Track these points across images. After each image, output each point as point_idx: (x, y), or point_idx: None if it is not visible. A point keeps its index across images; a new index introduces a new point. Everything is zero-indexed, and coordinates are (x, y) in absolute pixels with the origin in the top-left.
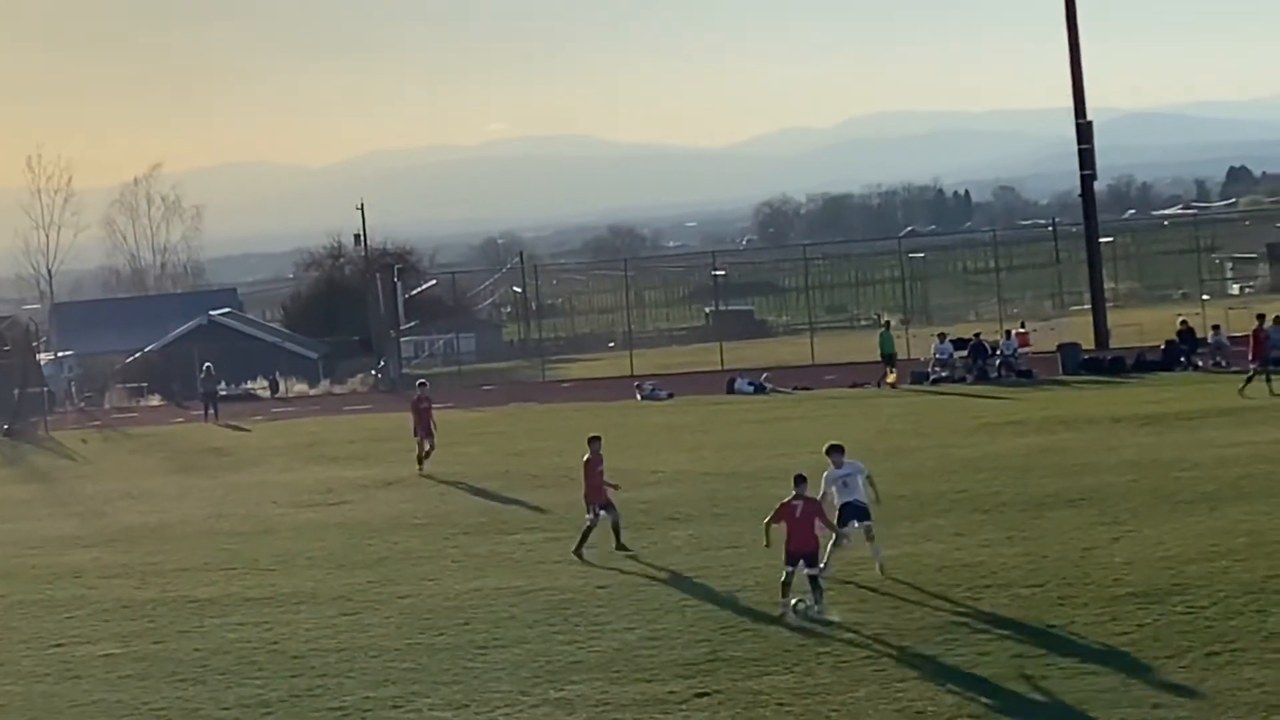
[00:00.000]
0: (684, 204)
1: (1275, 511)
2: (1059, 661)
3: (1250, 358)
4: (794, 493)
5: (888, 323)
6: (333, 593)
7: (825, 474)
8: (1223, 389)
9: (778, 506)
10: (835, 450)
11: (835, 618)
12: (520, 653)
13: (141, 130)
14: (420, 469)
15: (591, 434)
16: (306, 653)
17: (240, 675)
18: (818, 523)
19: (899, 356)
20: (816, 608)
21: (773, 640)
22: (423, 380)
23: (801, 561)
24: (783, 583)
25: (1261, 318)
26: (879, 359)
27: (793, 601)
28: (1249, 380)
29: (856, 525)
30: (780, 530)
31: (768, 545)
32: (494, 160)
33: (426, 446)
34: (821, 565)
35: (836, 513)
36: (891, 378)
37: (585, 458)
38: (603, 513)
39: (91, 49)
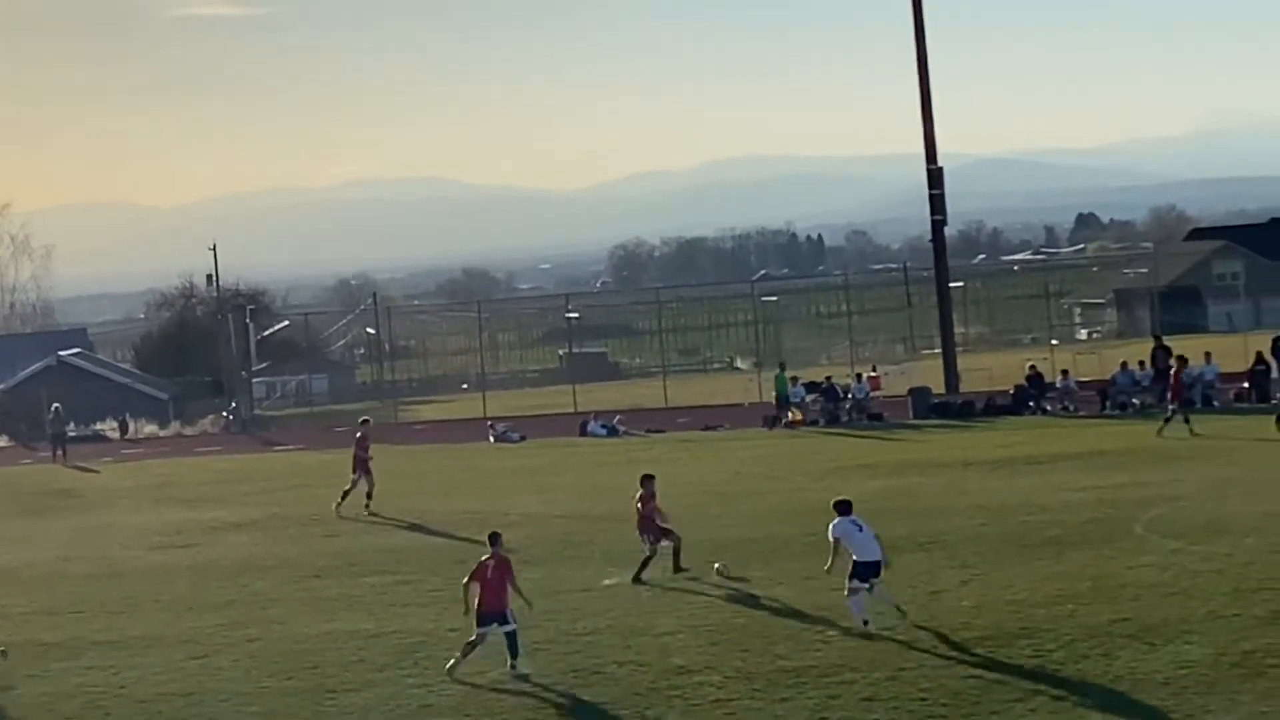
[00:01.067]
0: (539, 247)
1: (1120, 556)
2: (907, 705)
3: (1170, 399)
4: (490, 551)
5: (782, 364)
6: (182, 636)
7: (833, 525)
8: (1071, 433)
9: (475, 566)
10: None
11: (528, 670)
12: (370, 696)
13: None
14: (339, 507)
15: (645, 473)
16: (154, 697)
17: None
18: (509, 582)
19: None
20: (515, 665)
21: (623, 684)
22: (365, 418)
23: (494, 623)
24: (470, 643)
25: (1183, 360)
26: (774, 400)
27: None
28: (1167, 421)
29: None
30: (475, 590)
31: (466, 612)
32: (347, 202)
33: (365, 486)
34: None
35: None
36: (796, 416)
37: (637, 494)
38: (663, 542)
39: None
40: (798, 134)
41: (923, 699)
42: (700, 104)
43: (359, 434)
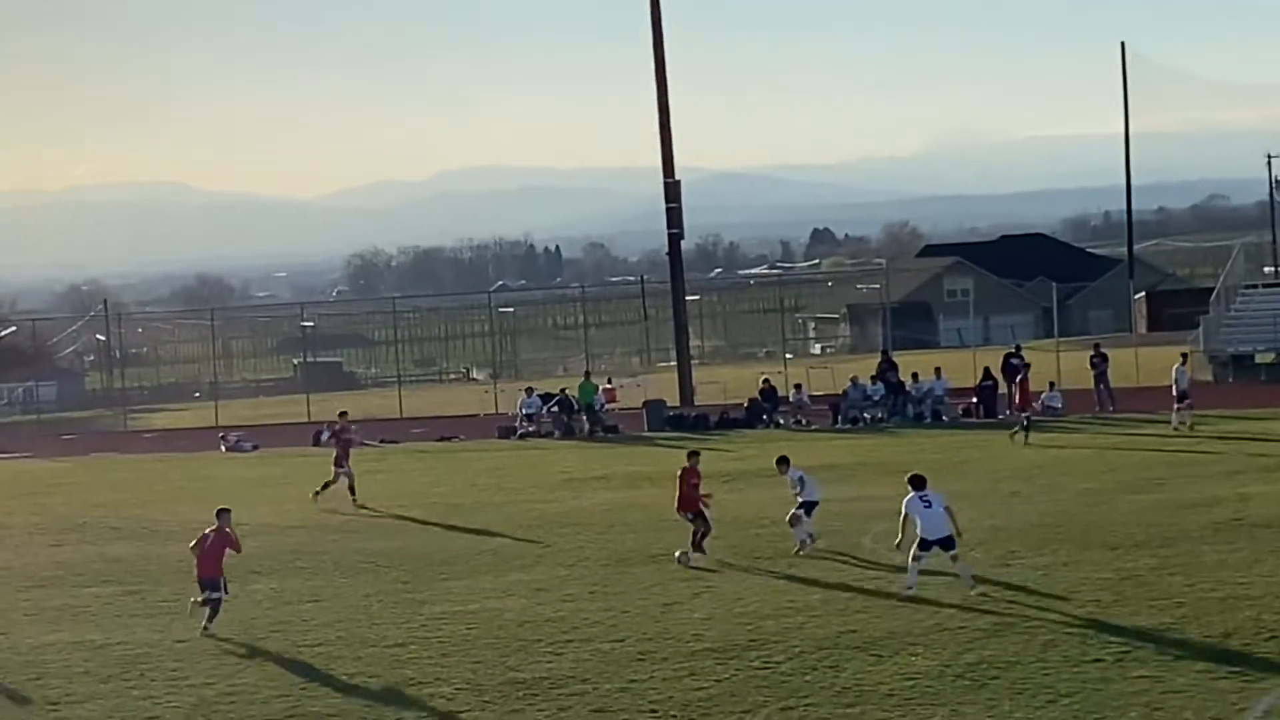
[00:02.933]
0: (274, 254)
1: (849, 568)
2: (638, 716)
3: (1019, 406)
4: (216, 524)
5: (587, 373)
6: None
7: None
8: (803, 446)
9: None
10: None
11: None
12: (94, 708)
13: None
14: (319, 494)
15: (691, 449)
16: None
17: None
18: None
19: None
20: (209, 626)
21: (351, 697)
22: (344, 410)
23: (207, 589)
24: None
25: (1028, 366)
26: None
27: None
28: (1026, 429)
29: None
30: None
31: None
32: (80, 206)
33: (344, 480)
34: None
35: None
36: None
37: (682, 469)
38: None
39: None
40: (535, 146)
41: (653, 711)
42: (438, 114)
43: (338, 426)
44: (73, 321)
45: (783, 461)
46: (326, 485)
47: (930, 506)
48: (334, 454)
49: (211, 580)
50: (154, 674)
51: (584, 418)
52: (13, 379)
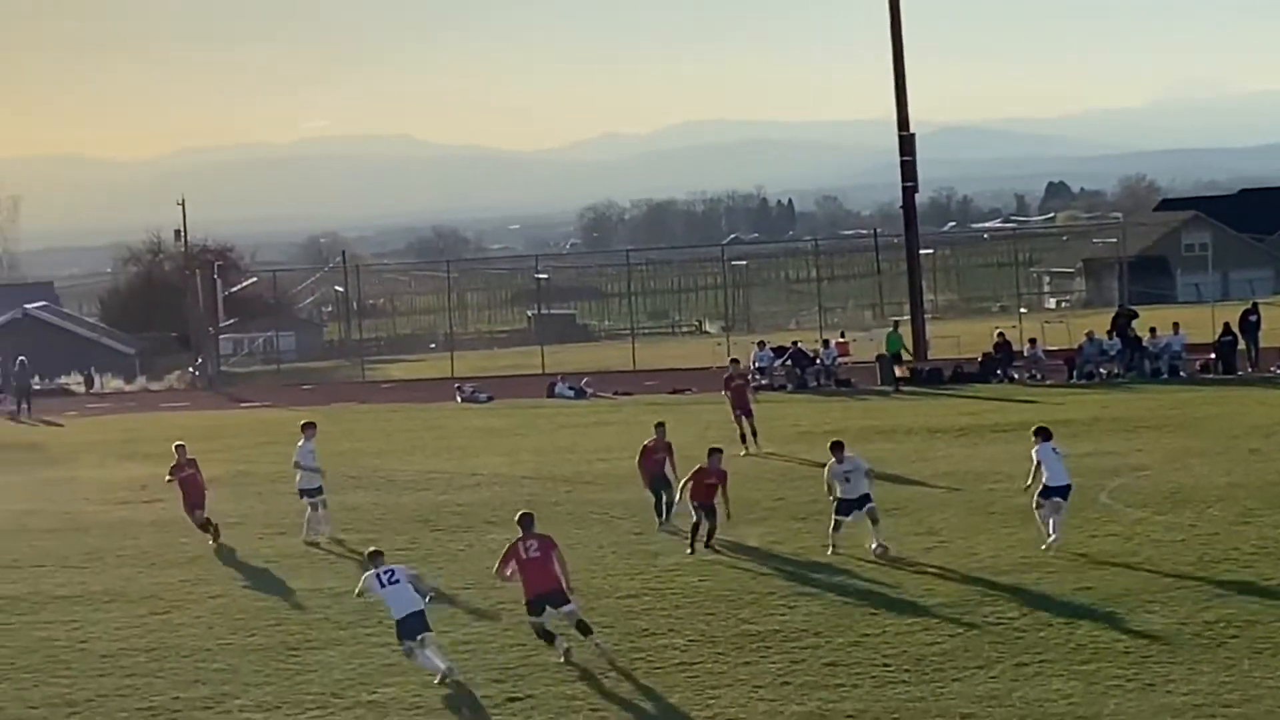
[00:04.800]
0: (508, 207)
1: (1085, 525)
2: (870, 670)
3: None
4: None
5: (896, 322)
6: (144, 591)
7: (828, 468)
8: (1037, 402)
9: (506, 549)
10: (837, 447)
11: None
12: (333, 654)
13: None
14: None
15: (657, 420)
16: (116, 652)
17: (47, 674)
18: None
19: None
20: (600, 646)
21: (587, 647)
22: (735, 358)
23: (547, 606)
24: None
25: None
26: (885, 357)
27: (563, 647)
28: None
29: (859, 513)
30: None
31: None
32: (314, 159)
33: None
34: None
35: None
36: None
37: (644, 445)
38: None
39: None
40: (770, 98)
41: (886, 665)
42: (673, 66)
43: (728, 374)
44: (312, 273)
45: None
46: (749, 434)
47: (1057, 455)
48: (729, 402)
49: (555, 592)
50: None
51: (892, 370)
52: (253, 329)
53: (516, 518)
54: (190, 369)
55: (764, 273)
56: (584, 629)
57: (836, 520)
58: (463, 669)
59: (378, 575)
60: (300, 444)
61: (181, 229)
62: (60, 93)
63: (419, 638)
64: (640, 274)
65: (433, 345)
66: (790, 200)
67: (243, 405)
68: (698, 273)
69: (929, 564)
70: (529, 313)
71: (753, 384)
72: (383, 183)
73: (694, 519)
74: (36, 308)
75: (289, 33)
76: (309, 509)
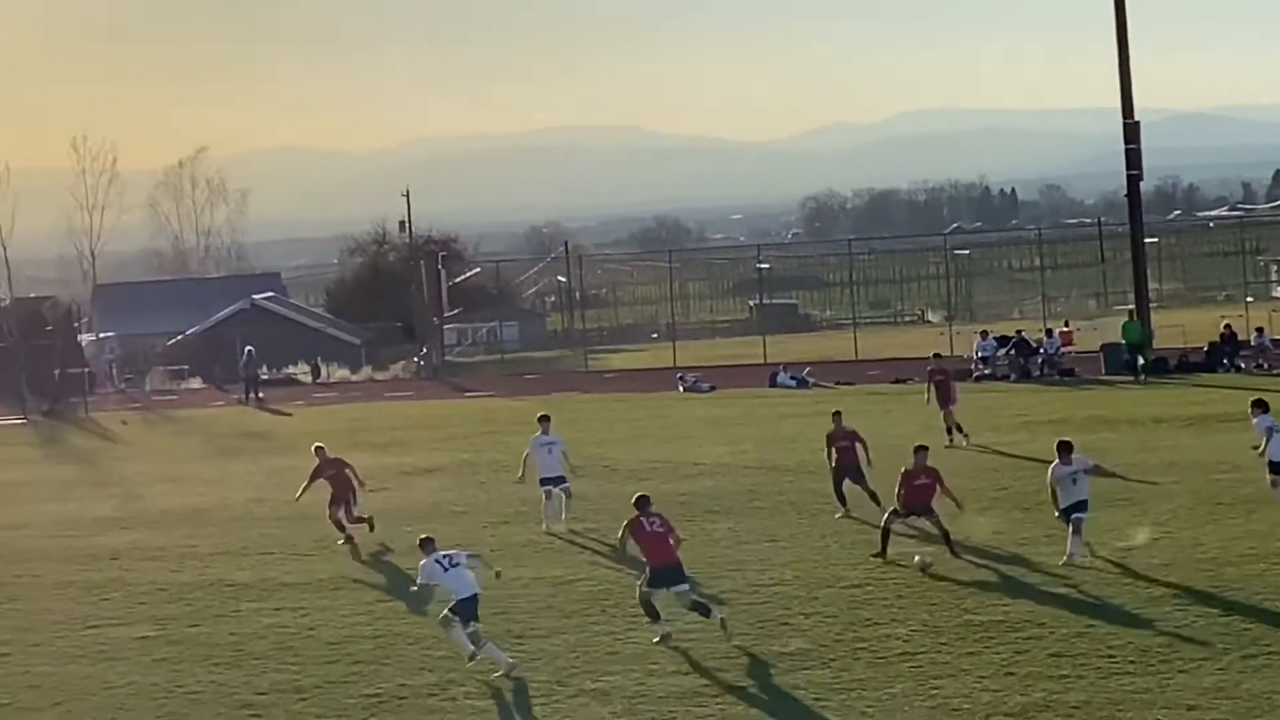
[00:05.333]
0: (730, 197)
1: None
2: (1095, 661)
3: None
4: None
5: (1131, 312)
6: (371, 580)
7: (1051, 470)
8: (1264, 391)
9: (628, 524)
10: (1064, 448)
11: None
12: (557, 643)
13: (187, 113)
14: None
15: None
16: (343, 639)
17: (276, 660)
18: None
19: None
20: (724, 625)
21: (810, 635)
22: (937, 351)
23: (666, 584)
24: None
25: None
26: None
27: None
28: None
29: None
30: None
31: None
32: (538, 149)
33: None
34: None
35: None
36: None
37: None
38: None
39: (138, 32)
40: (991, 87)
41: (1110, 656)
42: (893, 55)
43: (931, 367)
44: (534, 263)
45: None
46: (955, 428)
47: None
48: (933, 395)
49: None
50: (615, 610)
51: (1135, 359)
52: (477, 319)
53: (634, 499)
54: (415, 359)
55: (987, 262)
56: (703, 610)
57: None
58: (687, 657)
59: (438, 561)
60: (535, 436)
61: (406, 220)
62: (292, 87)
63: (471, 625)
64: (862, 263)
65: (654, 335)
66: (1013, 189)
67: (467, 395)
68: (920, 262)
69: (1154, 555)
70: (751, 302)
71: (974, 374)
72: (608, 173)
73: (884, 523)
74: (264, 298)
75: (520, 25)
76: (544, 498)
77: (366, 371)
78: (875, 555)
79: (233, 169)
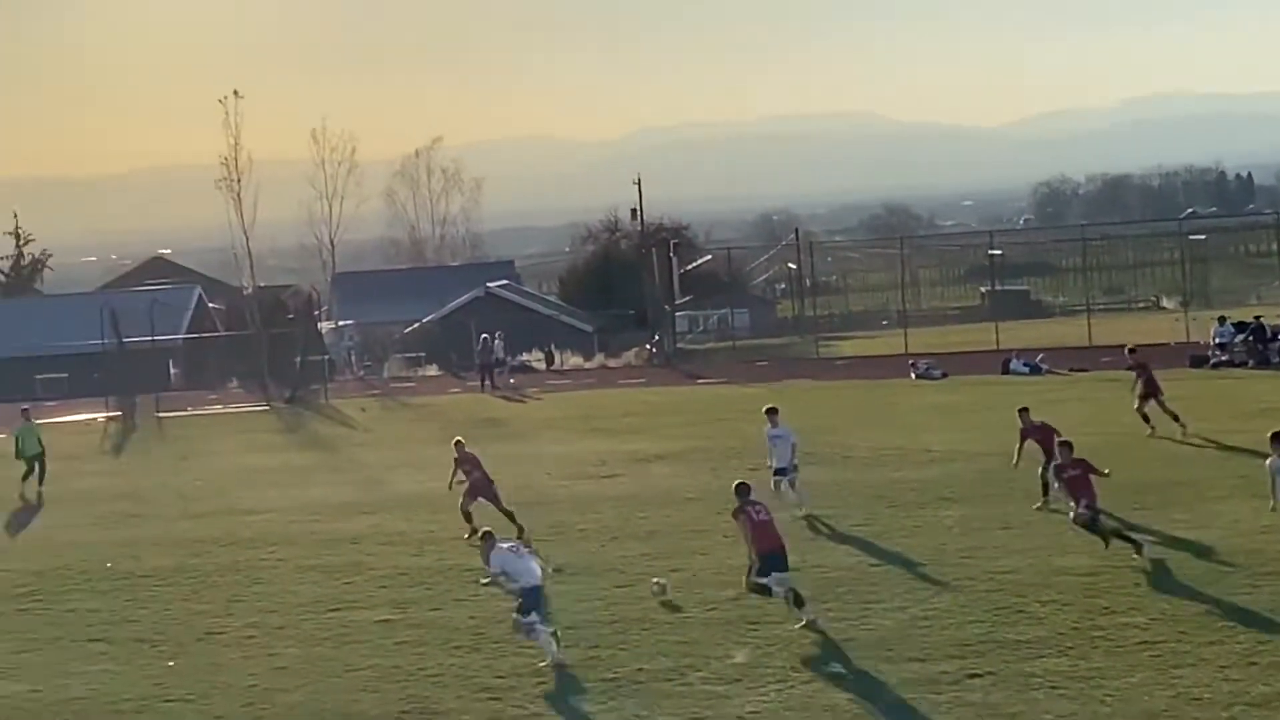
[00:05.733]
0: (960, 183)
1: None
2: None
3: None
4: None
5: None
6: (606, 565)
7: (1269, 463)
8: None
9: (736, 513)
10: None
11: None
12: (793, 629)
13: (422, 104)
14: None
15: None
16: (580, 624)
17: (515, 644)
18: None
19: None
20: (812, 622)
21: (1047, 623)
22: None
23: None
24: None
25: None
26: None
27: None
28: None
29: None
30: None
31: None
32: (769, 137)
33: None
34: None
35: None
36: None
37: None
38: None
39: (375, 23)
40: (1225, 70)
41: None
42: (1123, 39)
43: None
44: (765, 250)
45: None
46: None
47: None
48: (1139, 387)
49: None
50: (849, 597)
51: None
52: (708, 306)
53: (735, 487)
54: (647, 346)
55: (1223, 247)
56: (798, 600)
57: None
58: (922, 644)
59: (511, 550)
60: (766, 429)
61: (638, 207)
62: (527, 76)
63: (533, 614)
64: (1095, 249)
65: (885, 322)
66: (1249, 174)
67: (698, 381)
68: (1154, 247)
69: None
70: (982, 289)
71: (1211, 360)
72: (839, 160)
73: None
74: (498, 286)
75: (748, 10)
76: (774, 488)
77: (599, 358)
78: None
79: (467, 158)
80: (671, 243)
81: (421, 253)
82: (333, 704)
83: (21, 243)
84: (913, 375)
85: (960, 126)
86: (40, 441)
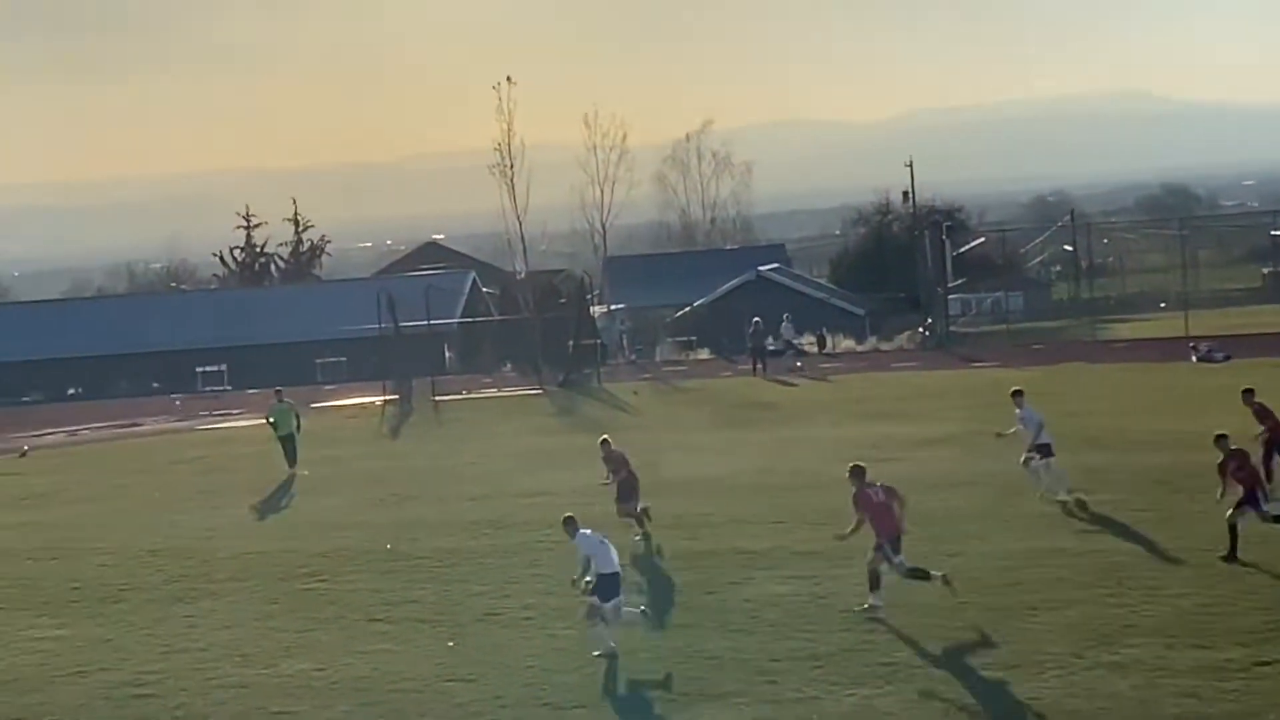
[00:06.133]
0: (1242, 162)
1: None
2: None
3: None
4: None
5: None
6: None
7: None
8: None
9: (856, 495)
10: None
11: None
12: (1072, 615)
13: (693, 87)
14: None
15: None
16: (855, 608)
17: (790, 628)
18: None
19: None
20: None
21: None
22: None
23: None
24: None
25: None
26: None
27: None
28: None
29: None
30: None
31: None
32: (1040, 118)
33: None
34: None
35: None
36: None
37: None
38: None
39: (646, 7)
40: None
41: None
42: None
43: None
44: (1039, 232)
45: None
46: None
47: None
48: None
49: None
50: (1130, 583)
51: None
52: (982, 289)
53: (850, 469)
54: (919, 329)
55: None
56: (921, 575)
57: None
58: (1206, 631)
59: (594, 537)
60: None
61: (910, 190)
62: (797, 58)
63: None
64: None
65: (1163, 304)
66: None
67: (973, 365)
68: None
69: None
70: (1264, 270)
71: None
72: (1115, 140)
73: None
74: (768, 269)
75: None
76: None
77: (871, 342)
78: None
79: (737, 142)
80: (944, 225)
81: (692, 237)
82: (611, 684)
83: (301, 229)
84: (1193, 358)
85: (1239, 104)
86: (295, 422)
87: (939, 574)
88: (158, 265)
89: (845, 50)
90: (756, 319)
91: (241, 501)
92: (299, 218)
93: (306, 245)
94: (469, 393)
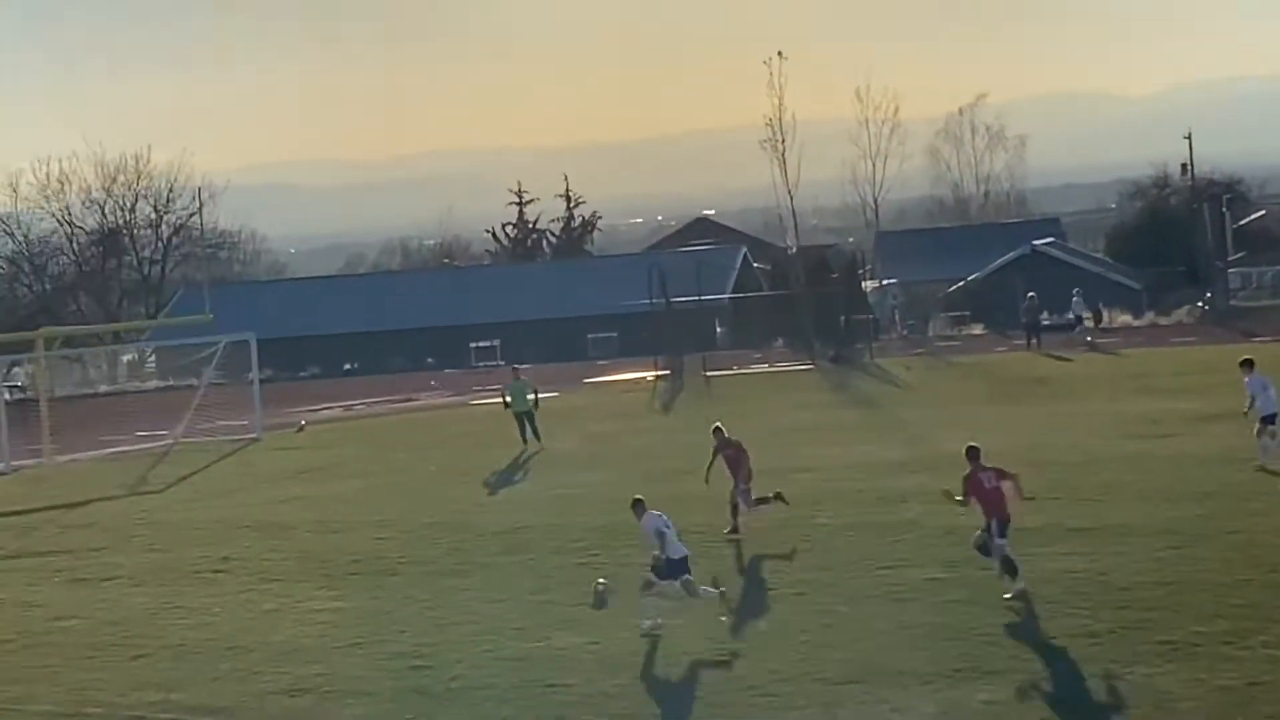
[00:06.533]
0: None
1: None
2: None
3: None
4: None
5: None
6: (1159, 526)
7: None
8: None
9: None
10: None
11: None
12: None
13: (965, 61)
14: None
15: None
16: (1133, 585)
17: (1067, 605)
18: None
19: None
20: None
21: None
22: None
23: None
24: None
25: None
26: None
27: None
28: None
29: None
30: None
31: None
32: None
33: None
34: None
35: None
36: None
37: None
38: None
39: None
40: None
41: None
42: None
43: None
44: None
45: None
46: None
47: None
48: None
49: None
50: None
51: None
52: (1263, 263)
53: (965, 451)
54: (1198, 303)
55: None
56: (1010, 568)
57: None
58: None
59: (662, 520)
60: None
61: (1188, 162)
62: (1071, 31)
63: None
64: None
65: None
66: None
67: (1254, 339)
68: None
69: None
70: None
71: None
72: None
73: None
74: (1044, 244)
75: None
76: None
77: (1149, 316)
78: None
79: (1010, 115)
80: (1224, 197)
81: (965, 211)
82: (884, 660)
83: (572, 205)
84: None
85: None
86: (531, 398)
87: (1021, 584)
88: (431, 242)
89: (1118, 23)
90: (1031, 293)
91: (512, 476)
92: (570, 194)
93: (578, 221)
94: (740, 368)
